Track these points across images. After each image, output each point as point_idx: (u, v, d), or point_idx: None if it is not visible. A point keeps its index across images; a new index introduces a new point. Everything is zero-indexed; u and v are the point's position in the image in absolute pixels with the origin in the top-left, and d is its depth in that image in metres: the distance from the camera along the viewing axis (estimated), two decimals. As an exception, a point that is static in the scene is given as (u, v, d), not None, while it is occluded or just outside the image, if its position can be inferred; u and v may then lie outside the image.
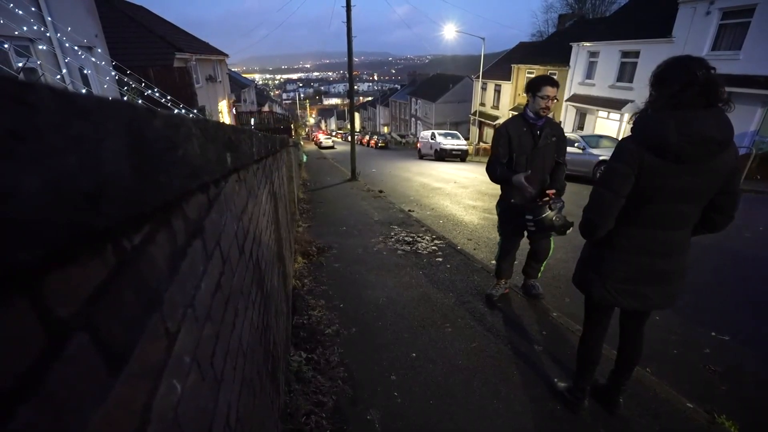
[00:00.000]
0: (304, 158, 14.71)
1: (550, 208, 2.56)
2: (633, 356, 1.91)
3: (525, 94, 2.72)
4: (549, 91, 2.54)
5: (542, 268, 3.23)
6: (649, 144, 1.43)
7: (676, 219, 1.55)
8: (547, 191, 2.68)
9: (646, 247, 1.60)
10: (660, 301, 1.69)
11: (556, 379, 2.23)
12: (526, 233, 2.90)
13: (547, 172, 2.81)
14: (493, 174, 2.82)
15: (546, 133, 2.69)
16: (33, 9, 5.89)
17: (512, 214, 2.86)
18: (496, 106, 25.67)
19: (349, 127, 12.80)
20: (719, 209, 1.55)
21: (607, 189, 1.54)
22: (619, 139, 2.73)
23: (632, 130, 1.52)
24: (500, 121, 24.44)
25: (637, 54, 14.96)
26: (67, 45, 6.51)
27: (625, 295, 1.68)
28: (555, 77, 2.97)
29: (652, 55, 13.96)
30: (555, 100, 2.57)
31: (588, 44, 17.23)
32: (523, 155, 2.70)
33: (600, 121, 16.84)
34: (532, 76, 21.80)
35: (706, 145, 1.36)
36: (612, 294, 1.70)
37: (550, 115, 2.71)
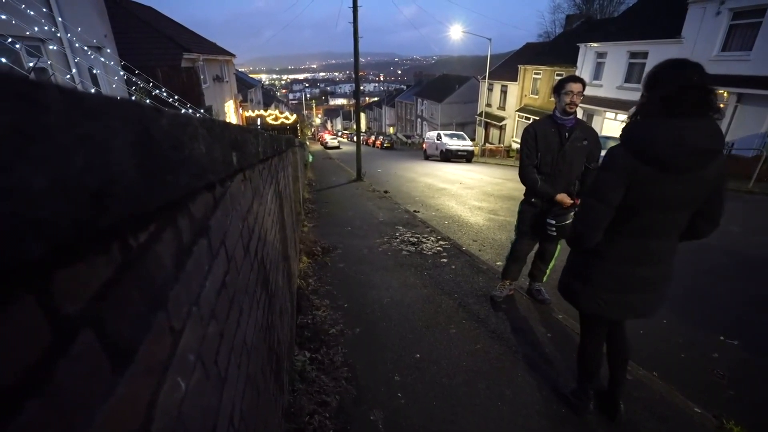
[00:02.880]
0: (310, 158, 14.77)
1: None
2: (622, 351, 1.90)
3: (552, 98, 2.70)
4: (572, 86, 2.51)
5: (548, 271, 3.20)
6: (640, 154, 1.39)
7: (665, 227, 1.52)
8: (574, 199, 2.66)
9: (635, 256, 1.57)
10: (644, 309, 1.67)
11: (561, 382, 2.21)
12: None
13: (574, 176, 2.73)
14: (533, 185, 2.74)
15: (575, 136, 2.63)
16: (44, 10, 5.97)
17: (533, 215, 2.84)
18: (502, 107, 25.57)
19: (354, 127, 12.81)
20: (705, 216, 1.51)
21: (598, 200, 1.50)
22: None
23: (621, 137, 1.48)
24: (506, 122, 24.43)
25: (645, 55, 14.82)
26: (77, 45, 6.60)
27: (613, 305, 1.66)
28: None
29: (660, 55, 13.79)
30: (581, 96, 2.54)
31: (595, 45, 17.11)
32: (549, 154, 2.66)
33: (607, 122, 16.70)
34: (539, 77, 21.68)
35: (699, 155, 1.33)
36: (601, 305, 1.68)
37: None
